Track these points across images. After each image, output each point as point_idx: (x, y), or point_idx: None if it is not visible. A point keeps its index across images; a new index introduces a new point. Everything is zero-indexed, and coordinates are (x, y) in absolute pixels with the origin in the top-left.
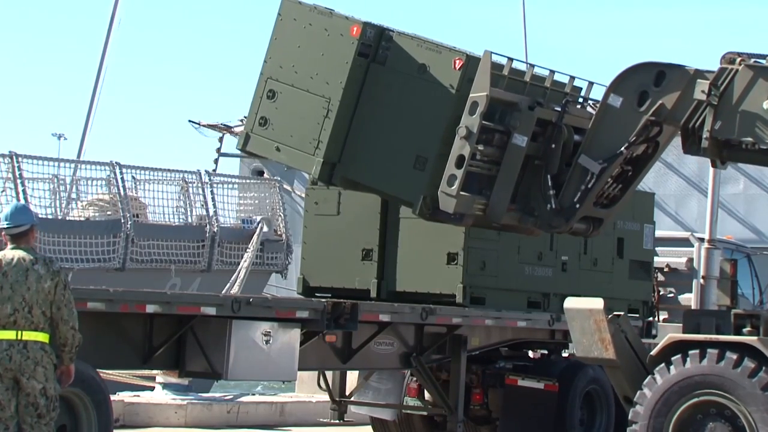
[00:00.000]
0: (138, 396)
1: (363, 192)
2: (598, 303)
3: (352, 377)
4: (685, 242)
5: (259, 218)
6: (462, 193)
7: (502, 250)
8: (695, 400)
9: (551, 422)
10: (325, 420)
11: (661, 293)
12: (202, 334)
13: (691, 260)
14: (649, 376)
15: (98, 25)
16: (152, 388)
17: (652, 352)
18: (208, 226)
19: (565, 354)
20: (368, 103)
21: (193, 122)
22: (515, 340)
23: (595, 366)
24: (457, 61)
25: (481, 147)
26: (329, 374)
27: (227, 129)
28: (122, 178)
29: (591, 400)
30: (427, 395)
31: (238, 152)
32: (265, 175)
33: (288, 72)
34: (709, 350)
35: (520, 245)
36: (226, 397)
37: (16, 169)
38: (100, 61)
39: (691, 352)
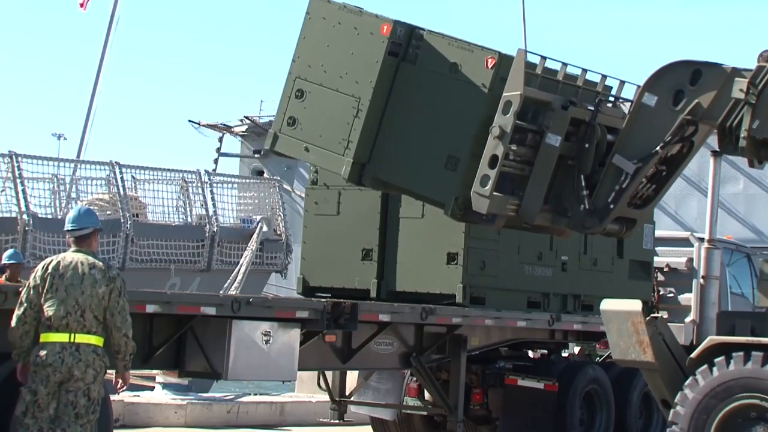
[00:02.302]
0: (138, 396)
1: (393, 192)
2: (636, 305)
3: (352, 377)
4: (684, 242)
5: (258, 218)
6: (495, 193)
7: (502, 250)
8: (737, 403)
9: (551, 422)
10: (325, 420)
11: (661, 293)
12: (201, 334)
13: (690, 260)
14: (691, 377)
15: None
16: (152, 388)
17: (692, 355)
18: (207, 226)
19: (564, 354)
20: (398, 102)
21: (193, 122)
22: (515, 340)
23: (595, 366)
24: (490, 60)
25: (514, 147)
26: (329, 374)
27: (227, 129)
28: (122, 178)
29: (591, 399)
30: (426, 395)
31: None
32: (265, 175)
33: (317, 71)
34: (753, 353)
35: (520, 245)
36: (226, 397)
37: (16, 168)
38: (99, 60)
39: (735, 354)
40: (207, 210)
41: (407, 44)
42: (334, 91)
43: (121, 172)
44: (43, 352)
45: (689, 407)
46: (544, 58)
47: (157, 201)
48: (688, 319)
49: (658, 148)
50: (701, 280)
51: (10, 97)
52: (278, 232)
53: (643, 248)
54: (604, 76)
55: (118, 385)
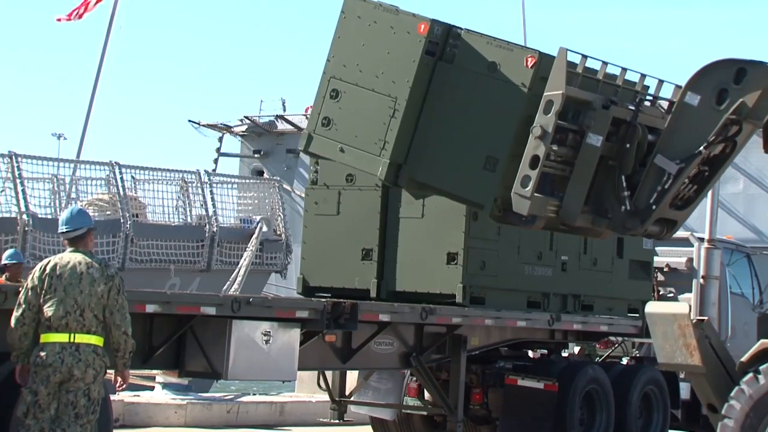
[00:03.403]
0: (138, 396)
1: (430, 194)
2: (682, 307)
3: (352, 377)
4: (684, 242)
5: (258, 218)
6: (536, 194)
7: (502, 250)
8: None
9: (551, 422)
10: (325, 420)
11: (660, 293)
12: (201, 334)
13: (690, 260)
14: (737, 388)
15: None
16: (152, 388)
17: (743, 359)
18: (207, 226)
19: (564, 354)
20: (435, 102)
21: (193, 122)
22: (515, 340)
23: (595, 366)
24: (530, 59)
25: (554, 147)
26: (329, 374)
27: (227, 129)
28: (122, 178)
29: (591, 399)
30: (426, 395)
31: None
32: (265, 175)
33: (352, 71)
34: None
35: (519, 245)
36: (225, 397)
37: (16, 169)
38: (99, 60)
39: None
40: (207, 210)
41: (444, 43)
42: (370, 91)
43: (120, 173)
44: (43, 353)
45: (737, 420)
46: (584, 56)
47: (157, 201)
48: None
49: (701, 148)
50: (701, 280)
51: (10, 97)
52: (278, 232)
53: (643, 248)
54: (643, 75)
55: (118, 384)
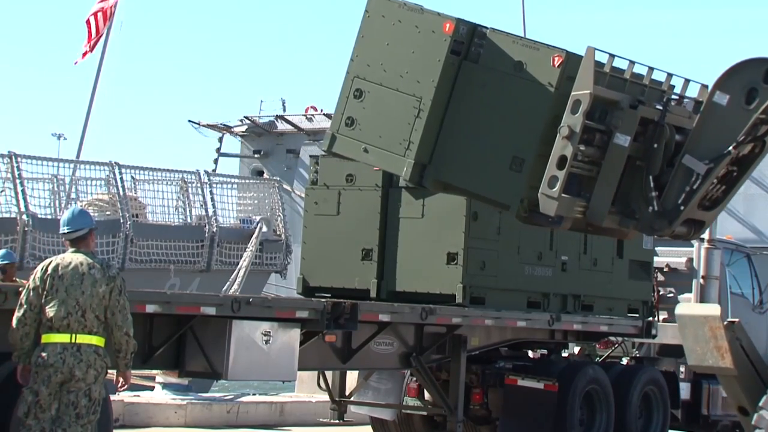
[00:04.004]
0: (138, 396)
1: (455, 195)
2: (714, 309)
3: (352, 377)
4: (684, 242)
5: (258, 218)
6: (564, 195)
7: (502, 250)
8: None
9: (551, 422)
10: (324, 420)
11: (660, 293)
12: (201, 334)
13: (690, 260)
14: (765, 396)
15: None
16: (152, 388)
17: None
18: (207, 226)
19: (564, 354)
20: (461, 102)
21: (192, 122)
22: (515, 340)
23: (595, 366)
24: (556, 58)
25: (582, 147)
26: (329, 374)
27: (227, 129)
28: (121, 178)
29: (591, 399)
30: (426, 395)
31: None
32: (265, 175)
33: (376, 70)
34: None
35: (519, 245)
36: (225, 397)
37: (16, 169)
38: (99, 60)
39: None
40: (206, 210)
41: (469, 42)
42: (395, 91)
43: (120, 173)
44: (44, 353)
45: None
46: (612, 56)
47: (157, 201)
48: None
49: (730, 148)
50: (701, 280)
51: (10, 97)
52: (278, 233)
53: (643, 248)
54: (670, 75)
55: (120, 384)
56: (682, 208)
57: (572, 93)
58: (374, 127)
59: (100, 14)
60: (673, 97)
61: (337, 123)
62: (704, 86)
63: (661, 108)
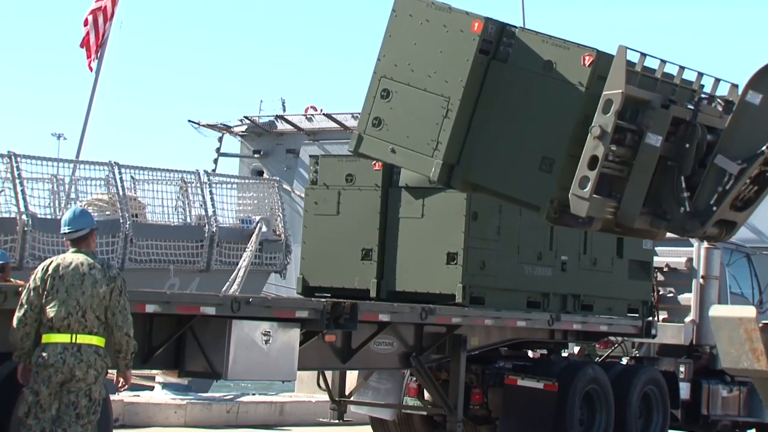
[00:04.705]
0: (138, 396)
1: (483, 195)
2: (749, 311)
3: (352, 377)
4: (684, 242)
5: (258, 218)
6: (595, 196)
7: (501, 250)
8: None
9: (551, 422)
10: (324, 420)
11: (660, 293)
12: (201, 334)
13: (690, 260)
14: None
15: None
16: (152, 388)
17: None
18: (207, 226)
19: (564, 354)
20: (489, 102)
21: (192, 122)
22: (515, 340)
23: (595, 366)
24: (587, 57)
25: (613, 147)
26: (329, 374)
27: (227, 129)
28: (121, 178)
29: (590, 399)
30: (426, 395)
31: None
32: (265, 175)
33: (403, 70)
34: None
35: (519, 245)
36: (225, 397)
37: (15, 169)
38: (99, 60)
39: None
40: (206, 210)
41: (498, 42)
42: (422, 91)
43: (120, 173)
44: (44, 353)
45: None
46: (644, 55)
47: (157, 201)
48: (687, 319)
49: (763, 147)
50: (701, 280)
51: (10, 97)
52: (277, 233)
53: (643, 248)
54: (700, 74)
55: (120, 384)
56: (714, 208)
57: (604, 92)
58: (402, 127)
59: (100, 14)
60: (703, 95)
61: (364, 123)
62: (734, 86)
63: (692, 107)
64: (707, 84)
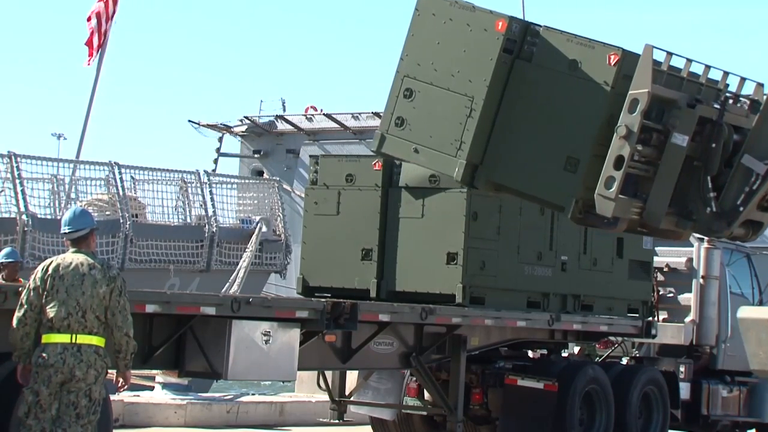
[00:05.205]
0: (138, 396)
1: (507, 195)
2: None
3: (352, 377)
4: (684, 242)
5: (258, 218)
6: (621, 196)
7: (501, 250)
8: None
9: (551, 422)
10: (324, 420)
11: (660, 293)
12: (201, 334)
13: (690, 260)
14: None
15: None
16: (152, 388)
17: None
18: (207, 226)
19: (564, 354)
20: (513, 101)
21: (192, 122)
22: (515, 340)
23: (595, 366)
24: (613, 57)
25: (639, 147)
26: (329, 374)
27: (227, 129)
28: (121, 178)
29: (590, 399)
30: (426, 395)
31: (238, 152)
32: (265, 175)
33: (426, 70)
34: None
35: (519, 245)
36: (225, 397)
37: (15, 169)
38: (99, 60)
39: None
40: (206, 210)
41: (522, 41)
42: (446, 90)
43: (120, 173)
44: (44, 353)
45: None
46: (670, 54)
47: (157, 201)
48: (687, 319)
49: None
50: (701, 280)
51: (10, 97)
52: (277, 233)
53: (643, 248)
54: (726, 73)
55: (120, 385)
56: (741, 209)
57: (630, 92)
58: (425, 127)
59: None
60: (728, 94)
61: (387, 123)
62: (760, 85)
63: (718, 107)
64: (732, 83)
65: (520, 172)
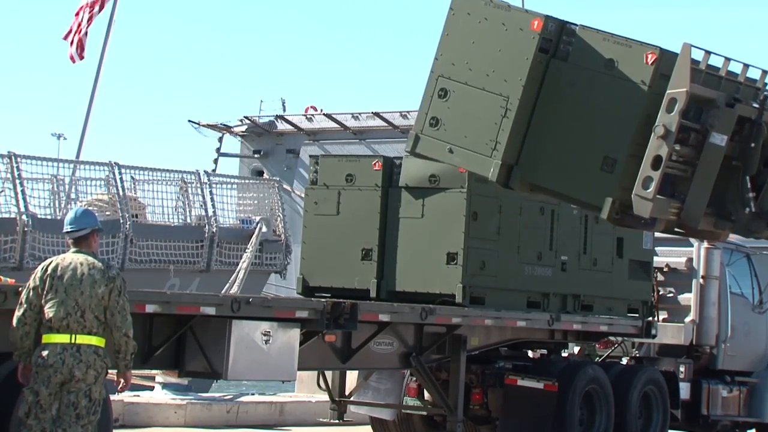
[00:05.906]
0: (138, 396)
1: (543, 196)
2: None
3: (352, 377)
4: (684, 242)
5: (258, 218)
6: (658, 196)
7: (501, 250)
8: None
9: (551, 422)
10: (324, 420)
11: (660, 293)
12: (201, 334)
13: (690, 260)
14: None
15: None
16: (152, 388)
17: None
18: (207, 227)
19: (564, 354)
20: (549, 101)
21: (192, 122)
22: (515, 340)
23: (595, 366)
24: (650, 56)
25: (677, 147)
26: (329, 374)
27: (227, 129)
28: (121, 179)
29: (590, 399)
30: (426, 395)
31: (238, 152)
32: (265, 176)
33: (461, 69)
34: None
35: (519, 245)
36: (225, 397)
37: (15, 169)
38: (99, 60)
39: None
40: (206, 210)
41: (558, 40)
42: (481, 90)
43: (120, 173)
44: (44, 353)
45: None
46: (708, 53)
47: (157, 201)
48: (687, 319)
49: None
50: (701, 280)
51: (10, 97)
52: (277, 233)
53: (643, 248)
54: (765, 72)
55: (120, 385)
56: None
57: (667, 91)
58: (460, 127)
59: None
60: (766, 94)
61: (421, 123)
62: None
63: (757, 106)
64: None
65: (556, 173)
